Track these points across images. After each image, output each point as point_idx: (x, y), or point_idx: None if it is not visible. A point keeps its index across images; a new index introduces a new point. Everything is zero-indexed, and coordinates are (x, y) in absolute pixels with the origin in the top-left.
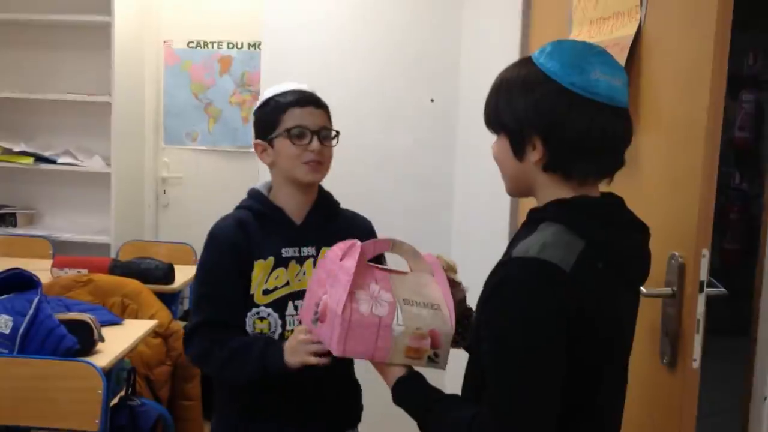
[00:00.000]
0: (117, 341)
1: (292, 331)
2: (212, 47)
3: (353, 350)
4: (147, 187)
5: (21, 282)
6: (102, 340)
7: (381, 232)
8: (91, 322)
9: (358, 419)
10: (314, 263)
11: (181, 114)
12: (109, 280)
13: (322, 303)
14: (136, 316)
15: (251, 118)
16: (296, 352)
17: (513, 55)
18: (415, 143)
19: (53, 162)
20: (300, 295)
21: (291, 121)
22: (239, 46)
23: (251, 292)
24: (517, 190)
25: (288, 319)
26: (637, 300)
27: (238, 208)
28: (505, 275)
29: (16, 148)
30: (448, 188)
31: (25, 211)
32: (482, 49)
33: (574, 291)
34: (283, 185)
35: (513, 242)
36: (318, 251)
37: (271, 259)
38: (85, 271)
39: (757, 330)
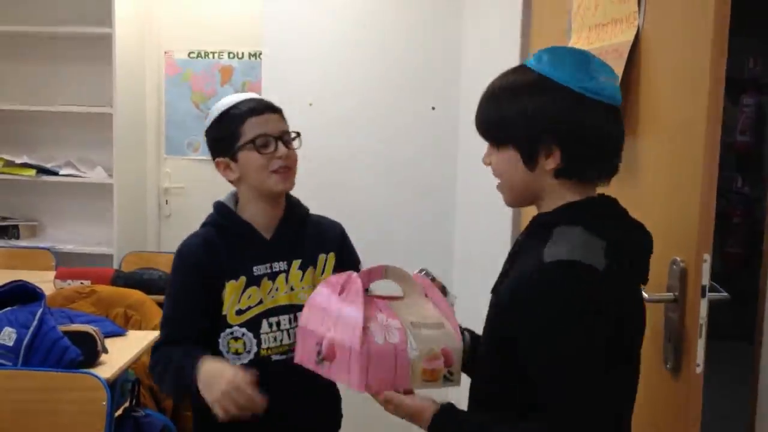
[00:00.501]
0: (121, 352)
1: (268, 349)
2: (213, 57)
3: (375, 383)
4: (149, 198)
5: (24, 294)
6: (106, 351)
7: (384, 240)
8: (94, 334)
9: (338, 426)
10: (286, 278)
11: (182, 124)
12: (112, 291)
13: (326, 342)
14: (139, 327)
15: None
16: (225, 398)
17: (513, 62)
18: (417, 151)
19: (55, 174)
20: (274, 312)
21: (252, 130)
22: (240, 55)
23: (224, 313)
24: (521, 200)
25: (263, 337)
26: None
27: (204, 224)
28: (548, 281)
29: (18, 160)
30: (450, 196)
31: (28, 223)
32: (483, 55)
33: (609, 291)
34: (252, 200)
35: (521, 250)
36: (289, 265)
37: (243, 278)
38: (87, 283)
39: (762, 333)
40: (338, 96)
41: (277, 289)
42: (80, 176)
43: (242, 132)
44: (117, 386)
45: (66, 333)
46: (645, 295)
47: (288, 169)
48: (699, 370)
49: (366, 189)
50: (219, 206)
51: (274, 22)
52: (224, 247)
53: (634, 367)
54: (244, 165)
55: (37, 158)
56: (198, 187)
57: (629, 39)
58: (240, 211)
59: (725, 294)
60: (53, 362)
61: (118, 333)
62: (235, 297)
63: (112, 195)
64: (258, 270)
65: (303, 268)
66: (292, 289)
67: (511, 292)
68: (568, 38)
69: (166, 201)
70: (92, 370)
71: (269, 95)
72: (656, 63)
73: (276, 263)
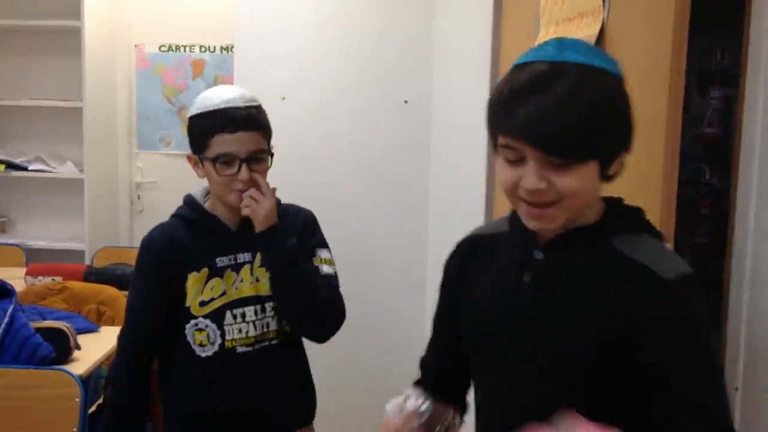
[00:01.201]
0: (94, 349)
1: (232, 341)
2: (184, 51)
3: None
4: (121, 193)
5: None
6: (78, 347)
7: (357, 234)
8: (66, 330)
9: (312, 417)
10: (251, 270)
11: (153, 118)
12: (84, 287)
13: None
14: (112, 323)
15: None
16: None
17: (484, 56)
18: (390, 144)
19: (25, 169)
20: (238, 303)
21: (218, 147)
22: (212, 49)
23: (187, 305)
24: (571, 218)
25: (227, 328)
26: None
27: (172, 216)
28: (684, 297)
29: None
30: (423, 189)
31: None
32: (455, 50)
33: None
34: (217, 199)
35: (561, 269)
36: (254, 257)
37: (205, 270)
38: (59, 279)
39: (726, 322)
40: (311, 90)
41: (242, 281)
42: (50, 171)
43: (209, 144)
44: (90, 382)
45: (38, 330)
46: None
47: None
48: None
49: (339, 183)
50: (188, 199)
51: (246, 16)
52: (188, 239)
53: None
54: (207, 174)
55: (5, 153)
56: (170, 182)
57: (594, 33)
58: (210, 204)
59: None
60: (25, 359)
61: (91, 329)
62: (197, 288)
63: (83, 190)
64: (221, 261)
65: None
66: (258, 280)
67: (643, 319)
68: (536, 33)
69: (138, 196)
70: (65, 367)
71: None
72: (620, 56)
73: (241, 254)
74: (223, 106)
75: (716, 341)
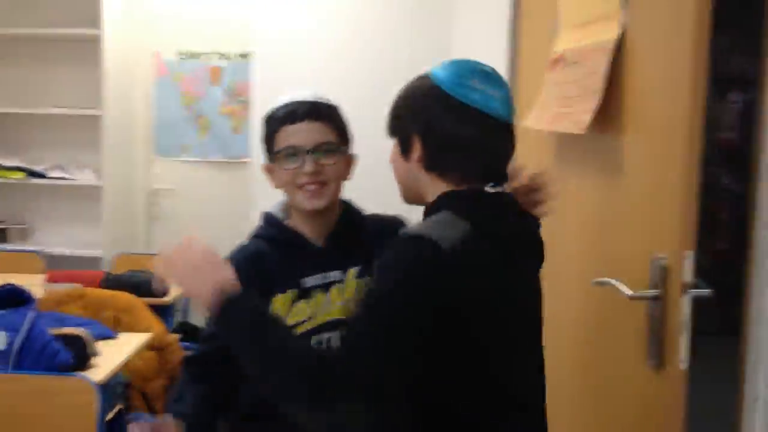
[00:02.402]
0: (112, 355)
1: None
2: (202, 58)
3: None
4: (138, 200)
5: (14, 297)
6: (96, 354)
7: None
8: (85, 337)
9: None
10: (342, 289)
11: (171, 125)
12: (102, 293)
13: None
14: (129, 330)
15: (242, 129)
16: None
17: (502, 60)
18: None
19: (44, 176)
20: (325, 327)
21: (282, 140)
22: (229, 56)
23: None
24: (409, 193)
25: None
26: (534, 280)
27: (254, 236)
28: (390, 253)
29: (7, 163)
30: None
31: (17, 226)
32: (472, 53)
33: (452, 267)
34: (294, 210)
35: None
36: (344, 275)
37: (292, 292)
38: (78, 286)
39: (747, 330)
40: (328, 95)
41: (329, 302)
42: (69, 179)
43: (276, 140)
44: (108, 389)
45: (57, 336)
46: (629, 292)
47: (321, 185)
48: (682, 366)
49: (357, 190)
50: (267, 217)
51: (264, 23)
52: (273, 259)
53: (512, 341)
54: (279, 179)
55: (25, 161)
56: (188, 189)
57: (613, 37)
58: (291, 219)
59: (708, 291)
60: (44, 366)
61: (109, 336)
62: (282, 311)
63: (101, 197)
64: (309, 281)
65: (362, 275)
66: (347, 302)
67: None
68: (555, 37)
69: (156, 203)
70: (83, 374)
71: (259, 96)
72: (640, 61)
73: (330, 273)
74: (287, 101)
75: (398, 297)
